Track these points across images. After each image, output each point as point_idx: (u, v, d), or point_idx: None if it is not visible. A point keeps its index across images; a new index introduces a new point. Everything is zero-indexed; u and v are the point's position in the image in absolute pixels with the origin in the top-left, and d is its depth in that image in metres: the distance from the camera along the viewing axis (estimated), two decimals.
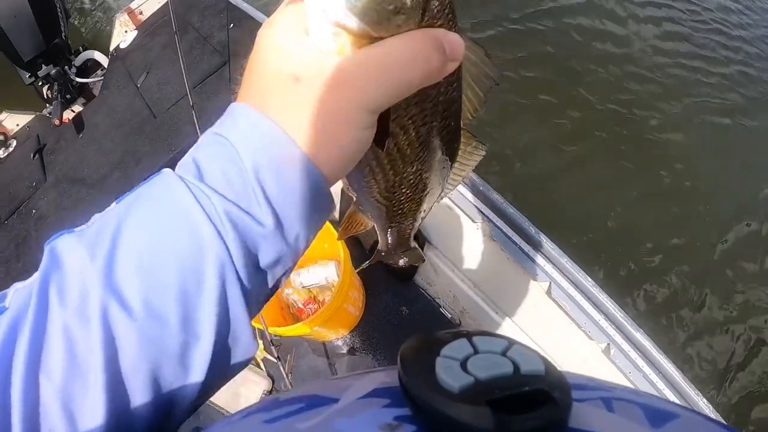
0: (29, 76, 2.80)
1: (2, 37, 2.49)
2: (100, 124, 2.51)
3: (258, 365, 1.87)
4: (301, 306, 1.83)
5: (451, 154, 0.44)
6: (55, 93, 2.79)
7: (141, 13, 2.86)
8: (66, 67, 2.89)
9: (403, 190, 0.44)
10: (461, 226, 1.61)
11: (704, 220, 3.10)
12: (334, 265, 1.79)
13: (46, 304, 0.29)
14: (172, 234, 0.31)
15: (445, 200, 1.60)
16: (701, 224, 3.08)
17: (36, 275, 0.31)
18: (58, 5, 2.72)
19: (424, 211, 0.51)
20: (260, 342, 1.85)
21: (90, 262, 0.30)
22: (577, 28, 4.15)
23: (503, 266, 1.55)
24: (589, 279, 1.42)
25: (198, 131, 1.78)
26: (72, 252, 0.31)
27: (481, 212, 1.55)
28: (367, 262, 0.80)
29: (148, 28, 2.71)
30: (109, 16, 4.17)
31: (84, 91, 3.05)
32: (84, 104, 2.94)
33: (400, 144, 0.38)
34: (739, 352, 2.75)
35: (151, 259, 0.30)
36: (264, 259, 0.34)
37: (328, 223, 1.57)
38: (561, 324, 1.45)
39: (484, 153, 0.47)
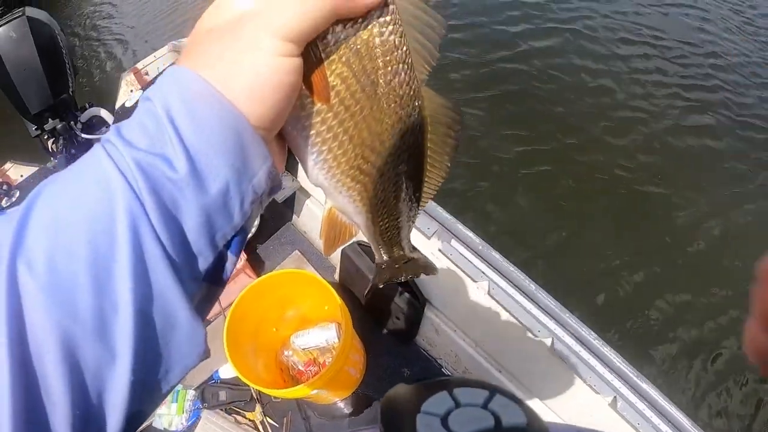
0: (35, 129, 2.85)
1: (11, 89, 2.56)
2: None
3: (257, 428, 1.82)
4: (301, 368, 1.80)
5: (413, 113, 0.38)
6: (61, 147, 2.83)
7: (147, 73, 2.95)
8: (72, 122, 2.94)
9: (369, 163, 0.39)
10: (462, 285, 1.60)
11: (711, 275, 3.07)
12: (335, 327, 1.77)
13: None
14: (83, 191, 0.29)
15: (445, 260, 1.60)
16: (707, 279, 3.05)
17: None
18: (67, 61, 2.80)
19: (410, 195, 0.45)
20: (258, 406, 1.82)
21: (5, 225, 0.29)
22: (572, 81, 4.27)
23: (505, 324, 1.54)
24: (592, 333, 1.41)
25: None
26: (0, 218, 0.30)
27: (481, 271, 1.55)
28: (370, 283, 0.73)
29: None
30: (115, 74, 4.31)
31: (88, 147, 3.09)
32: None
33: (343, 96, 0.35)
34: (752, 402, 2.69)
35: (63, 217, 0.29)
36: (188, 217, 0.31)
37: (328, 285, 1.57)
38: (566, 379, 1.42)
39: (459, 116, 0.41)
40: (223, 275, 0.35)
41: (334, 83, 0.34)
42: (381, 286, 0.61)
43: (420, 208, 0.48)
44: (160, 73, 2.79)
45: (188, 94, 0.31)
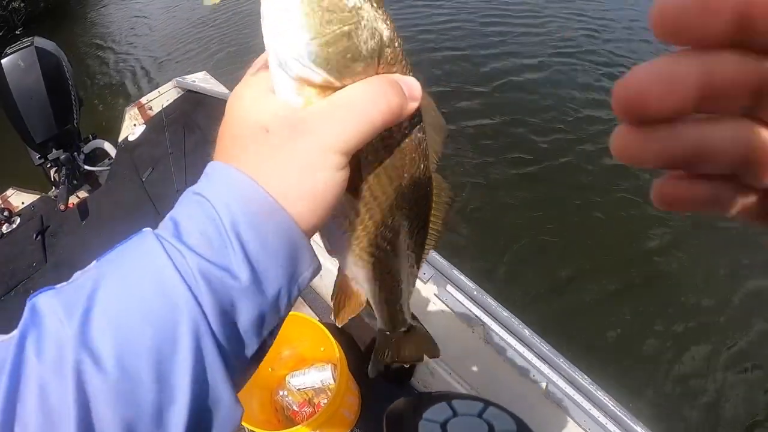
0: (39, 158, 2.89)
1: (18, 117, 2.60)
2: (104, 213, 2.58)
3: None
4: (295, 408, 1.81)
5: (426, 196, 0.45)
6: (63, 177, 2.86)
7: (150, 108, 3.03)
8: (75, 153, 2.99)
9: (386, 241, 0.45)
10: (457, 330, 1.64)
11: (710, 328, 3.09)
12: (331, 368, 1.79)
13: (23, 358, 0.30)
14: (146, 293, 0.31)
15: (440, 305, 1.64)
16: (707, 332, 3.08)
17: (16, 330, 0.31)
18: (72, 92, 2.86)
19: (413, 264, 0.51)
20: None
21: (66, 319, 0.30)
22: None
23: (500, 368, 1.57)
24: (586, 377, 1.44)
25: None
26: (50, 309, 0.31)
27: (476, 316, 1.58)
28: (373, 356, 0.76)
29: (156, 124, 2.85)
30: (119, 108, 4.40)
31: (90, 179, 3.15)
32: (89, 191, 3.04)
33: (374, 189, 0.40)
34: None
35: (126, 319, 0.31)
36: (244, 317, 0.34)
37: (324, 328, 1.60)
38: (560, 423, 1.44)
39: (452, 193, 0.48)
40: (263, 356, 0.39)
41: (368, 178, 0.39)
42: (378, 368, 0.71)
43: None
44: (161, 111, 2.87)
45: (253, 207, 0.34)
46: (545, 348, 1.49)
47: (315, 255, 0.38)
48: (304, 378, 1.81)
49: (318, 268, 0.40)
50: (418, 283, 1.67)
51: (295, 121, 0.34)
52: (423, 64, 5.41)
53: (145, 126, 2.90)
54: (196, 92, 2.79)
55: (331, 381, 1.78)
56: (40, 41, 2.68)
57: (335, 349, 1.61)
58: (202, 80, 2.89)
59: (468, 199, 3.83)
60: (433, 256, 1.66)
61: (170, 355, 0.31)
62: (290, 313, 1.53)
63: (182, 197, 0.36)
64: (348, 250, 0.45)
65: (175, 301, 0.31)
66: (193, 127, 2.53)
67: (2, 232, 2.72)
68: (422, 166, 0.42)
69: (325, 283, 2.19)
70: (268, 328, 0.36)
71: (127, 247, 0.35)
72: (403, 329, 0.65)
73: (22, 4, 8.31)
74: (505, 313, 1.57)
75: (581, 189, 3.87)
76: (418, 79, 0.38)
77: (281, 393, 1.84)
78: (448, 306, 1.61)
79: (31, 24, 8.43)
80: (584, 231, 3.59)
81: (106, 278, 0.32)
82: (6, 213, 2.81)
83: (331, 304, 0.57)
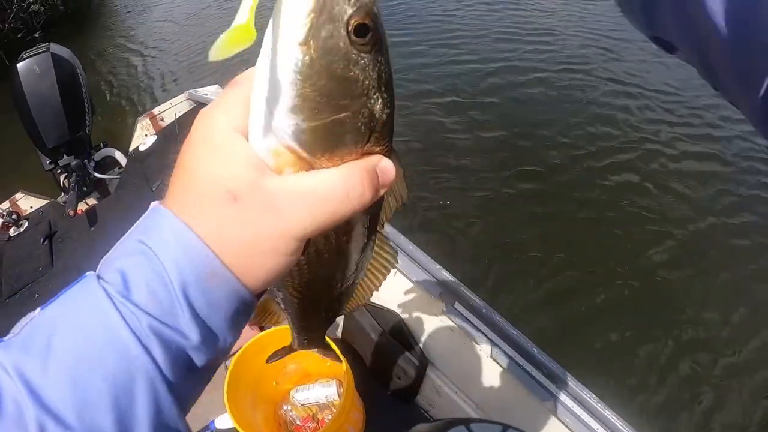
0: (49, 163, 2.90)
1: (31, 122, 2.62)
2: (112, 221, 2.59)
3: None
4: (299, 423, 1.80)
5: (365, 258, 0.46)
6: (72, 184, 2.87)
7: (162, 119, 3.06)
8: (86, 160, 3.00)
9: (317, 286, 0.46)
10: (464, 348, 1.63)
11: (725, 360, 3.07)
12: (336, 383, 1.79)
13: None
14: (102, 353, 0.32)
15: (448, 322, 1.64)
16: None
17: None
18: (86, 99, 2.88)
19: (337, 307, 0.53)
20: None
21: (18, 378, 0.30)
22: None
23: (506, 387, 1.56)
24: (593, 396, 1.43)
25: None
26: (1, 366, 0.31)
27: (484, 334, 1.58)
28: (278, 356, 0.80)
29: (168, 134, 2.88)
30: (131, 117, 4.45)
31: (99, 186, 3.18)
32: (98, 198, 3.06)
33: (320, 249, 0.41)
34: None
35: (83, 378, 0.31)
36: (197, 365, 0.35)
37: (332, 344, 1.60)
38: None
39: (396, 261, 0.49)
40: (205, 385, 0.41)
41: (316, 239, 0.39)
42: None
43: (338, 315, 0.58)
44: (174, 122, 2.89)
45: (204, 276, 0.33)
46: (553, 366, 1.48)
47: (256, 305, 0.40)
48: (308, 393, 1.81)
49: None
50: (428, 298, 1.67)
51: (265, 197, 0.33)
52: (437, 75, 5.47)
53: (156, 136, 2.93)
54: (207, 105, 2.82)
55: (336, 397, 1.78)
56: (56, 48, 2.72)
57: (341, 365, 1.61)
58: (214, 93, 2.92)
59: (474, 212, 3.85)
60: (442, 272, 1.66)
61: (129, 411, 0.32)
62: None
63: (127, 243, 0.35)
64: (282, 288, 0.47)
65: (130, 358, 0.32)
66: None
67: (9, 235, 2.74)
68: (366, 232, 0.43)
69: None
70: (217, 366, 0.38)
71: (75, 299, 0.34)
72: (314, 350, 0.69)
73: (42, 8, 8.46)
74: (513, 331, 1.56)
75: (587, 204, 3.88)
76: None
77: (285, 407, 1.83)
78: (455, 323, 1.61)
79: (51, 27, 8.50)
80: (589, 245, 3.61)
81: (57, 335, 0.32)
82: (14, 216, 2.83)
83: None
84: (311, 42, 0.31)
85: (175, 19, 8.52)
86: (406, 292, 1.75)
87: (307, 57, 0.31)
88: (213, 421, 1.89)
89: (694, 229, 3.72)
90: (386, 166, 0.36)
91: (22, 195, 3.00)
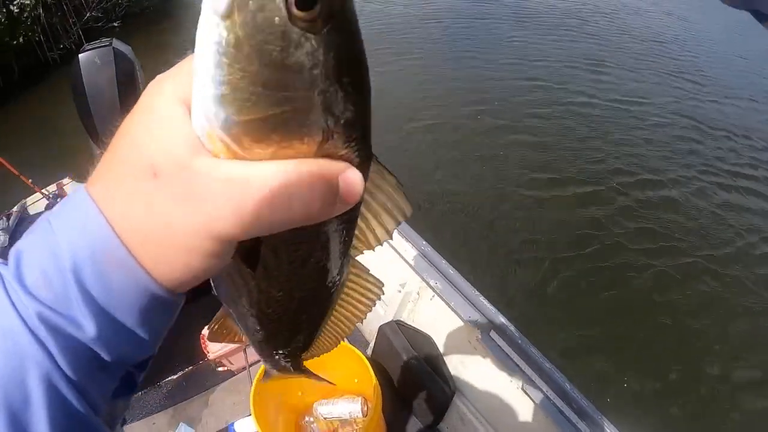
0: (99, 152, 3.01)
1: (86, 109, 2.74)
2: None
3: None
4: None
5: (333, 282, 0.40)
6: None
7: None
8: None
9: (272, 310, 0.41)
10: (495, 377, 1.66)
11: None
12: (361, 401, 1.82)
13: None
14: None
15: (482, 350, 1.68)
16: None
17: None
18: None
19: (303, 335, 0.49)
20: None
21: None
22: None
23: (535, 421, 1.58)
24: None
25: None
26: None
27: (517, 365, 1.62)
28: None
29: None
30: None
31: None
32: None
33: (270, 266, 0.34)
34: None
35: None
36: (104, 360, 0.31)
37: (366, 361, 1.64)
38: None
39: (381, 292, 0.44)
40: (136, 386, 0.38)
41: (264, 252, 0.33)
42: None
43: (312, 354, 0.55)
44: None
45: (100, 255, 0.29)
46: (584, 403, 1.51)
47: (177, 301, 0.34)
48: (332, 407, 1.83)
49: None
50: (462, 327, 1.72)
51: (188, 180, 0.27)
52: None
53: None
54: None
55: (359, 414, 1.80)
56: (119, 44, 2.89)
57: (371, 384, 1.64)
58: None
59: (537, 252, 3.98)
60: (480, 299, 1.72)
61: (24, 403, 0.28)
62: None
63: (39, 218, 0.31)
64: (232, 304, 0.43)
65: (21, 349, 0.28)
66: None
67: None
68: (337, 253, 0.37)
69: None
70: (132, 367, 0.35)
71: None
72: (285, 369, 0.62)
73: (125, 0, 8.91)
74: (547, 365, 1.59)
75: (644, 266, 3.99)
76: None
77: (307, 419, 1.85)
78: (489, 351, 1.65)
79: (130, 19, 8.84)
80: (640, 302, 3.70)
81: None
82: (59, 199, 2.94)
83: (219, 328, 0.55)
84: (236, 15, 0.24)
85: None
86: (443, 317, 1.80)
87: (231, 35, 0.24)
88: (232, 424, 1.92)
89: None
90: (352, 178, 0.29)
91: (69, 181, 3.12)
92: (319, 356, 0.56)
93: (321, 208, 0.28)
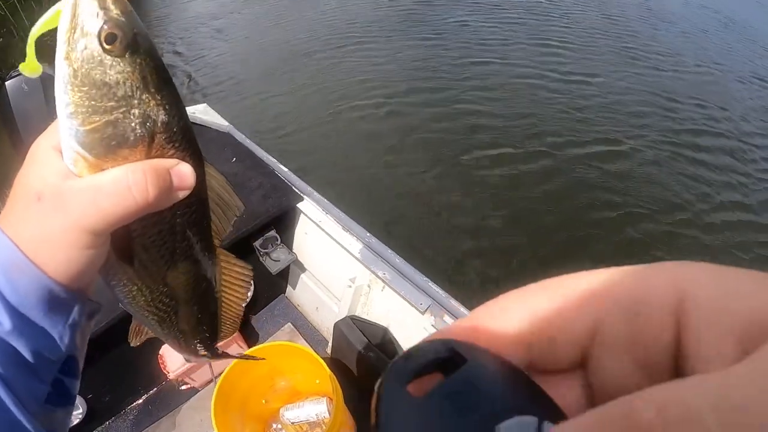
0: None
1: (17, 136, 2.69)
2: None
3: None
4: None
5: (205, 270, 0.49)
6: None
7: None
8: None
9: (163, 305, 0.49)
10: None
11: None
12: (326, 401, 1.82)
13: None
14: None
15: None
16: None
17: None
18: None
19: (205, 324, 0.56)
20: None
21: None
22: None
23: None
24: None
25: None
26: None
27: None
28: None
29: None
30: None
31: None
32: None
33: (145, 261, 0.43)
34: None
35: None
36: (23, 357, 0.38)
37: (319, 359, 1.64)
38: None
39: (251, 273, 0.53)
40: (70, 396, 0.44)
41: (137, 250, 0.43)
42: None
43: (221, 338, 0.61)
44: None
45: (7, 263, 0.38)
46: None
47: (88, 301, 0.44)
48: (299, 411, 1.83)
49: (96, 309, 0.46)
50: (415, 313, 1.72)
51: (59, 194, 0.37)
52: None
53: None
54: (197, 124, 2.90)
55: (326, 414, 1.80)
56: (47, 68, 2.82)
57: (330, 383, 1.64)
58: (203, 112, 2.99)
59: (471, 227, 3.94)
60: (429, 285, 1.71)
61: None
62: (285, 343, 1.59)
63: None
64: (129, 305, 0.49)
65: None
66: None
67: None
68: (198, 242, 0.46)
69: (320, 315, 2.24)
70: (53, 368, 0.41)
71: None
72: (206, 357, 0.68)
73: None
74: None
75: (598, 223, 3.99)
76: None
77: (275, 426, 1.85)
78: None
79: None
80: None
81: None
82: None
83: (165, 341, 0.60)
84: (71, 55, 0.36)
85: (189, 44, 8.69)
86: (394, 306, 1.80)
87: (71, 69, 0.36)
88: None
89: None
90: (182, 170, 0.39)
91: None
92: (225, 340, 0.64)
93: (158, 194, 0.38)
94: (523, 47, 6.87)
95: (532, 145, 4.81)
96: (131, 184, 0.36)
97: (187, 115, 0.40)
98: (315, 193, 2.05)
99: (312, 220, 2.00)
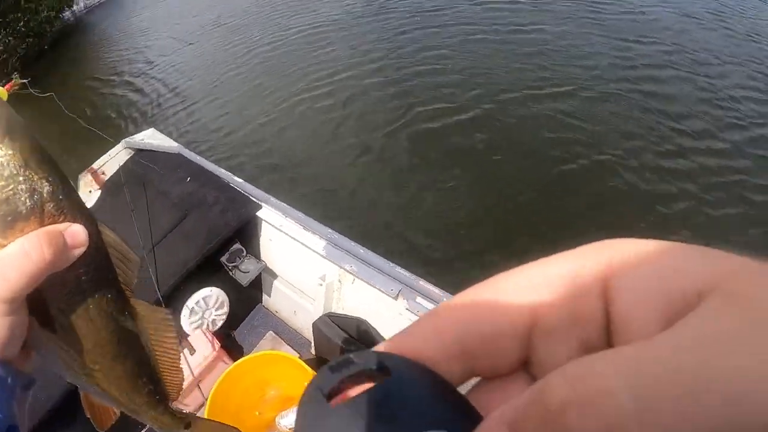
0: None
1: None
2: None
3: None
4: None
5: (124, 322, 0.51)
6: None
7: (103, 173, 3.08)
8: None
9: (97, 365, 0.50)
10: None
11: None
12: None
13: None
14: None
15: (412, 316, 1.72)
16: None
17: None
18: None
19: (147, 378, 0.56)
20: None
21: None
22: None
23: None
24: None
25: (157, 289, 1.92)
26: None
27: None
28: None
29: (111, 186, 2.91)
30: (73, 176, 4.43)
31: None
32: None
33: (65, 324, 0.46)
34: None
35: None
36: None
37: (302, 363, 1.67)
38: None
39: (173, 323, 0.55)
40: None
41: (56, 315, 0.45)
42: None
43: (172, 389, 0.61)
44: (119, 170, 2.94)
45: None
46: None
47: (20, 373, 0.46)
48: (294, 416, 1.85)
49: (30, 381, 0.48)
50: (388, 300, 1.75)
51: None
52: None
53: (100, 191, 2.95)
54: (146, 150, 2.87)
55: None
56: None
57: None
58: (151, 137, 2.97)
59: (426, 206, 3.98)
60: (397, 270, 1.74)
61: None
62: (269, 352, 1.62)
63: None
64: (68, 374, 0.51)
65: None
66: (148, 184, 2.60)
67: None
68: (109, 296, 0.48)
69: (299, 318, 2.26)
70: None
71: None
72: (178, 428, 0.68)
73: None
74: None
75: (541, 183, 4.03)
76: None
77: None
78: (418, 316, 1.68)
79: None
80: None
81: None
82: None
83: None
84: None
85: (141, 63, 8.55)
86: (367, 297, 1.82)
87: None
88: None
89: None
90: (74, 230, 0.43)
91: None
92: (178, 391, 0.62)
93: (55, 254, 0.41)
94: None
95: (482, 104, 4.84)
96: (28, 249, 0.40)
97: (70, 182, 0.44)
98: (272, 199, 2.06)
99: (274, 226, 2.01)
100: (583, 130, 4.41)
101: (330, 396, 0.18)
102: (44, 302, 0.44)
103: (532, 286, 0.18)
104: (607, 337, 0.17)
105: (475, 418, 0.17)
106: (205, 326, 2.19)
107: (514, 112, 4.71)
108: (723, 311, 0.14)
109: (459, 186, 4.00)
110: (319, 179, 4.24)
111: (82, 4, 12.20)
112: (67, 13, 11.34)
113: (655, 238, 0.18)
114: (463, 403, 0.18)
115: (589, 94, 4.89)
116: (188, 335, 2.14)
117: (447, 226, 3.70)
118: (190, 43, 7.88)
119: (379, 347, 0.20)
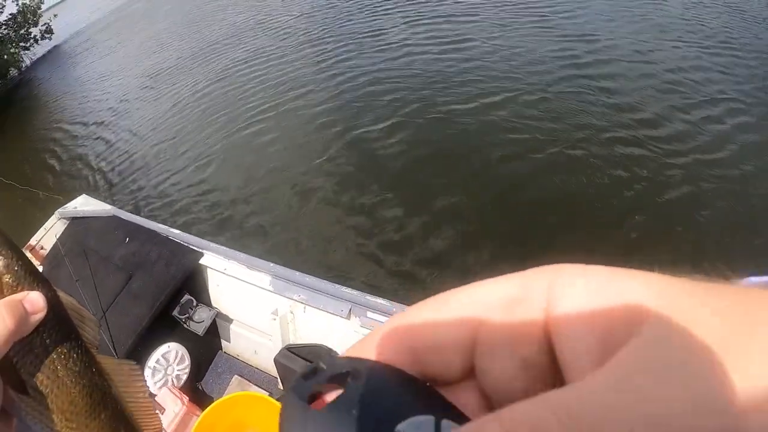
0: None
1: None
2: None
3: None
4: None
5: (93, 378, 0.53)
6: None
7: (42, 247, 3.03)
8: None
9: (73, 423, 0.52)
10: None
11: None
12: None
13: None
14: None
15: (367, 331, 1.78)
16: None
17: None
18: None
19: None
20: None
21: None
22: None
23: None
24: None
25: (115, 353, 1.91)
26: None
27: None
28: None
29: (53, 260, 2.87)
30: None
31: None
32: None
33: (37, 387, 0.48)
34: None
35: None
36: None
37: (271, 399, 1.70)
38: None
39: (140, 373, 0.58)
40: None
41: (26, 379, 0.48)
42: None
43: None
44: (57, 243, 2.89)
45: None
46: None
47: None
48: None
49: None
50: (341, 321, 1.80)
51: None
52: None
53: (42, 266, 2.90)
54: (81, 217, 2.85)
55: None
56: None
57: None
58: (84, 204, 2.95)
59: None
60: (343, 290, 1.80)
61: None
62: (238, 394, 1.64)
63: None
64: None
65: None
66: (89, 252, 2.58)
67: None
68: (75, 355, 0.51)
69: (261, 357, 2.28)
70: None
71: None
72: None
73: None
74: None
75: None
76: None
77: None
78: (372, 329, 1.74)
79: None
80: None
81: None
82: None
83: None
84: None
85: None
86: (321, 322, 1.87)
87: None
88: None
89: None
90: (32, 297, 0.47)
91: None
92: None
93: (17, 322, 0.44)
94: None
95: (430, 113, 4.95)
96: None
97: (24, 255, 0.48)
98: (212, 245, 2.08)
99: (218, 271, 2.04)
100: (530, 133, 4.51)
101: (309, 402, 0.19)
102: (14, 368, 0.46)
103: (474, 304, 0.20)
104: (550, 362, 0.18)
105: (456, 410, 0.19)
106: (170, 383, 2.19)
107: (458, 124, 4.80)
108: (645, 353, 0.15)
109: (396, 203, 4.02)
110: (259, 214, 4.19)
111: (28, 61, 12.30)
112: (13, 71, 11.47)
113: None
114: (438, 396, 0.19)
115: (528, 98, 5.01)
116: (155, 395, 2.13)
117: (398, 242, 3.67)
118: (124, 100, 7.84)
119: (349, 350, 0.21)
